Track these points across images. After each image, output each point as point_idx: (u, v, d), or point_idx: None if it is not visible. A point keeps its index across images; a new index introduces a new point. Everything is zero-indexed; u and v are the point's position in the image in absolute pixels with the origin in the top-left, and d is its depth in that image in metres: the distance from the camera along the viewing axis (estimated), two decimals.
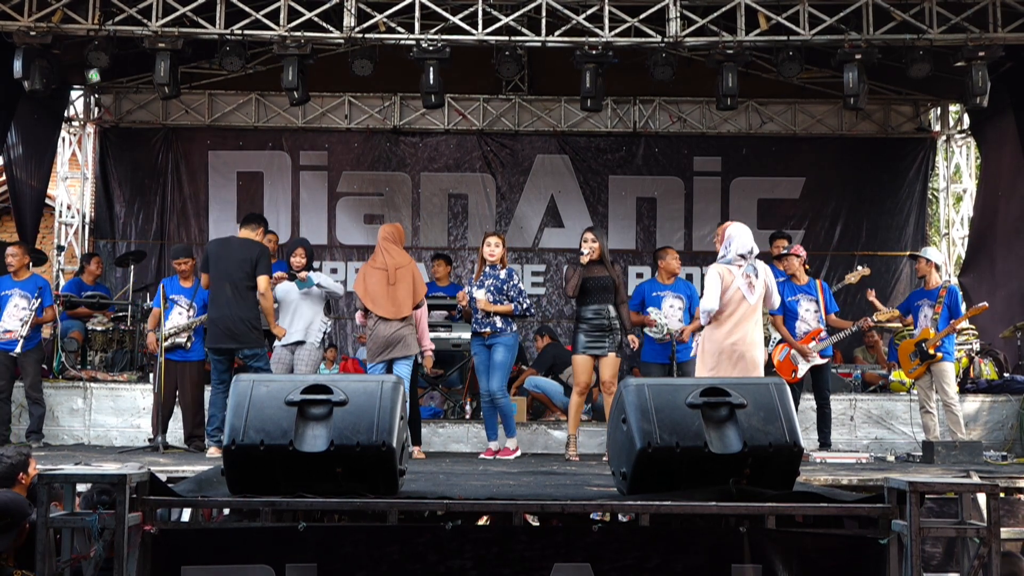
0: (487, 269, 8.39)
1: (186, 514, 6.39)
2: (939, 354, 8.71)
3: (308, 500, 4.64)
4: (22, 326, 8.89)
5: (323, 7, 9.67)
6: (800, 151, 12.97)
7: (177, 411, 8.78)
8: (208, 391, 8.42)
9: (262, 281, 8.08)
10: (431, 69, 9.83)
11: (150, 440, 8.72)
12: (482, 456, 8.38)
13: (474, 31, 9.73)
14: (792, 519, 5.01)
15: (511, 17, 9.75)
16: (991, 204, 11.64)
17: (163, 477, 5.14)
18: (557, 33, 9.86)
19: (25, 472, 5.82)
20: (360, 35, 9.70)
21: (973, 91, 9.67)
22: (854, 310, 10.72)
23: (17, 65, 9.52)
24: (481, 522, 6.07)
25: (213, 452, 7.89)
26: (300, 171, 13.02)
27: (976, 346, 10.33)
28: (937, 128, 13.06)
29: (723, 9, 9.70)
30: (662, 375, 8.52)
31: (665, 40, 9.66)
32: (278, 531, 4.75)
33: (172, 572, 4.60)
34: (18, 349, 8.87)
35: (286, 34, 9.66)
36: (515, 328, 8.40)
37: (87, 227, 12.80)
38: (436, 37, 9.75)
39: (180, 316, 8.73)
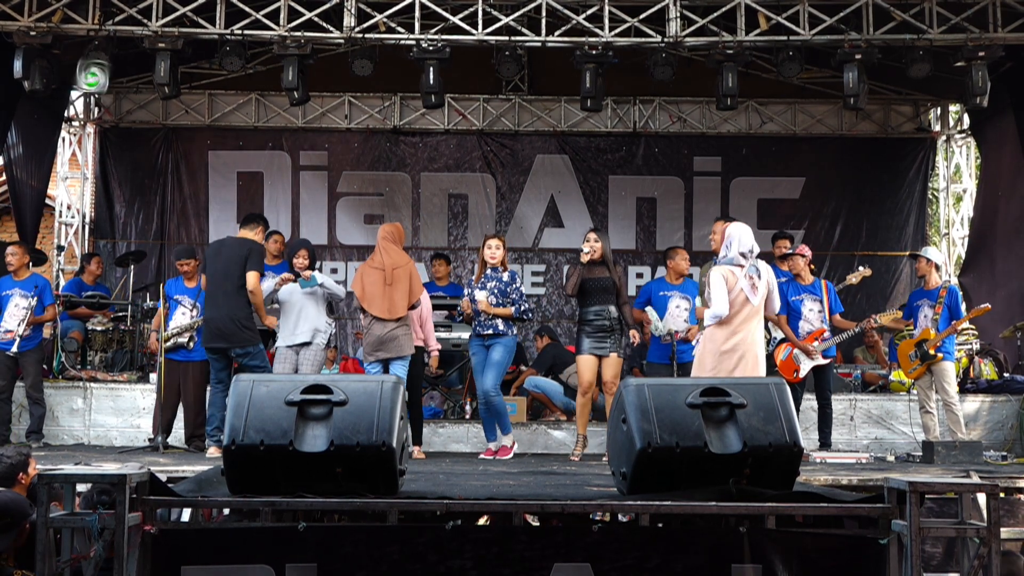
0: (488, 271, 8.39)
1: (186, 514, 6.39)
2: (940, 354, 8.71)
3: (308, 500, 4.64)
4: (18, 325, 8.90)
5: (323, 7, 9.67)
6: (800, 151, 12.97)
7: (180, 410, 8.79)
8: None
9: (250, 277, 8.04)
10: (431, 69, 9.83)
11: (150, 440, 8.72)
12: (482, 456, 8.38)
13: (474, 31, 9.73)
14: (792, 519, 5.01)
15: (511, 17, 9.75)
16: (991, 204, 11.64)
17: (163, 477, 5.14)
18: (557, 33, 9.86)
19: (25, 472, 5.82)
20: (360, 35, 9.70)
21: (973, 91, 9.66)
22: (854, 311, 10.71)
23: (17, 65, 9.51)
24: (481, 522, 6.07)
25: (213, 452, 7.89)
26: (300, 171, 13.02)
27: (976, 346, 10.34)
28: (937, 128, 13.06)
29: (723, 9, 9.69)
30: (669, 376, 8.52)
31: (665, 40, 9.65)
32: (278, 531, 4.75)
33: (172, 572, 4.60)
34: (14, 349, 8.87)
35: (286, 34, 9.66)
36: (515, 331, 8.42)
37: (87, 227, 12.80)
38: (436, 37, 9.75)
39: (183, 316, 8.75)
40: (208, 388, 8.44)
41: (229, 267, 8.10)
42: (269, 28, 9.70)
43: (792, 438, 4.76)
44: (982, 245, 11.77)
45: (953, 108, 13.16)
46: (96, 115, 12.84)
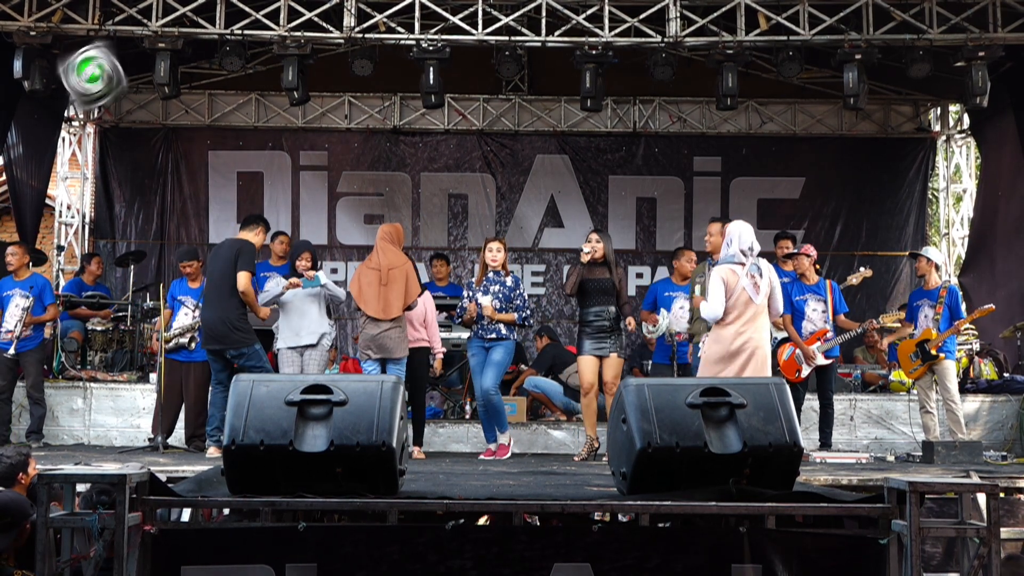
0: (490, 274, 8.40)
1: (186, 514, 6.39)
2: (941, 354, 8.71)
3: (308, 500, 4.64)
4: (16, 325, 8.90)
5: (323, 7, 9.67)
6: (800, 151, 12.97)
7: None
8: None
9: (240, 277, 8.01)
10: (431, 69, 9.83)
11: (150, 440, 8.73)
12: (482, 456, 8.38)
13: (474, 31, 9.73)
14: (792, 519, 5.01)
15: (511, 17, 9.75)
16: (991, 204, 11.64)
17: (163, 477, 5.14)
18: (557, 33, 9.86)
19: (25, 472, 5.82)
20: (360, 35, 9.70)
21: (973, 91, 9.66)
22: (854, 311, 10.68)
23: (17, 65, 9.52)
24: (481, 522, 6.06)
25: (213, 452, 7.89)
26: (300, 171, 13.01)
27: (976, 346, 10.34)
28: (937, 128, 13.06)
29: (723, 9, 9.69)
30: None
31: (665, 40, 9.65)
32: (278, 531, 4.75)
33: (172, 572, 4.60)
34: (12, 351, 8.87)
35: (286, 34, 9.66)
36: (515, 335, 8.45)
37: (87, 227, 12.80)
38: (436, 37, 9.75)
39: (186, 317, 8.77)
40: (210, 388, 8.44)
41: (222, 269, 8.12)
42: (269, 28, 9.70)
43: (792, 438, 4.76)
44: (982, 245, 11.76)
45: (953, 108, 13.16)
46: (96, 115, 12.83)
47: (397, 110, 12.94)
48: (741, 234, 7.06)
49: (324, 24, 9.71)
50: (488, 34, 9.77)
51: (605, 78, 10.13)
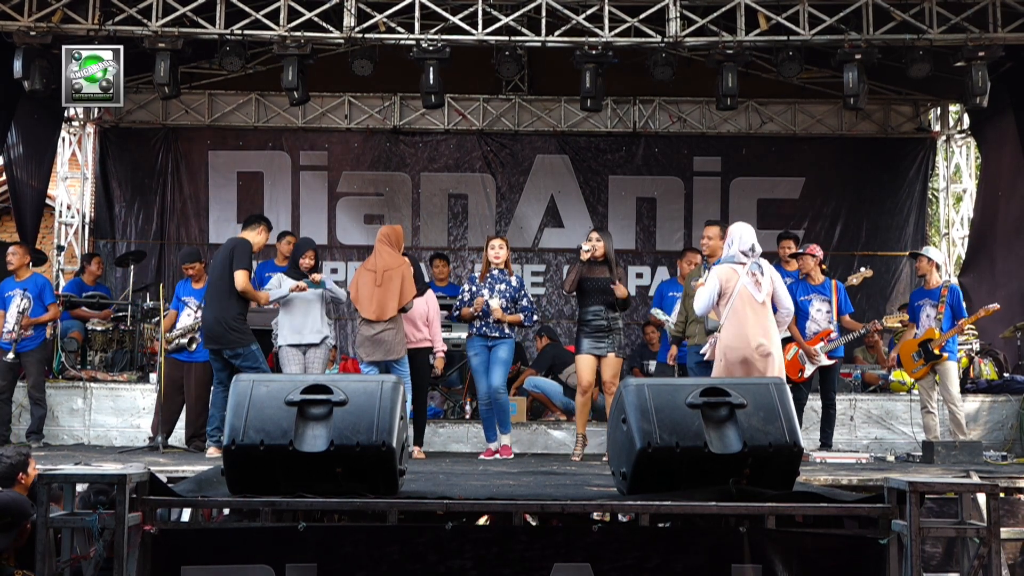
0: (493, 272, 8.41)
1: (186, 514, 6.39)
2: (944, 354, 8.71)
3: (308, 500, 4.64)
4: (14, 326, 8.90)
5: (323, 7, 9.67)
6: (800, 151, 12.96)
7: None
8: None
9: (237, 277, 7.97)
10: (431, 69, 9.83)
11: (150, 440, 8.73)
12: (482, 456, 8.38)
13: (474, 31, 9.73)
14: (792, 519, 5.01)
15: (511, 17, 9.75)
16: (991, 204, 11.64)
17: (163, 477, 5.14)
18: (557, 33, 9.86)
19: (25, 472, 5.82)
20: (360, 35, 9.70)
21: (973, 91, 9.66)
22: (854, 312, 10.69)
23: (17, 65, 9.52)
24: (481, 522, 6.07)
25: (213, 452, 7.89)
26: (300, 171, 13.01)
27: (976, 346, 10.33)
28: (937, 128, 13.05)
29: (723, 9, 9.69)
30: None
31: (665, 40, 9.65)
32: (278, 531, 4.76)
33: (172, 572, 4.60)
34: (11, 355, 8.87)
35: (286, 34, 9.66)
36: (516, 333, 8.47)
37: (87, 227, 12.79)
38: (436, 37, 9.75)
39: (188, 317, 8.78)
40: (211, 388, 8.45)
41: (219, 269, 8.13)
42: (269, 28, 9.70)
43: (792, 438, 4.77)
44: (982, 245, 11.76)
45: (953, 108, 13.16)
46: (96, 115, 12.83)
47: (397, 110, 12.93)
48: (742, 235, 7.05)
49: (324, 24, 9.71)
50: (488, 34, 9.77)
51: (605, 78, 10.13)
